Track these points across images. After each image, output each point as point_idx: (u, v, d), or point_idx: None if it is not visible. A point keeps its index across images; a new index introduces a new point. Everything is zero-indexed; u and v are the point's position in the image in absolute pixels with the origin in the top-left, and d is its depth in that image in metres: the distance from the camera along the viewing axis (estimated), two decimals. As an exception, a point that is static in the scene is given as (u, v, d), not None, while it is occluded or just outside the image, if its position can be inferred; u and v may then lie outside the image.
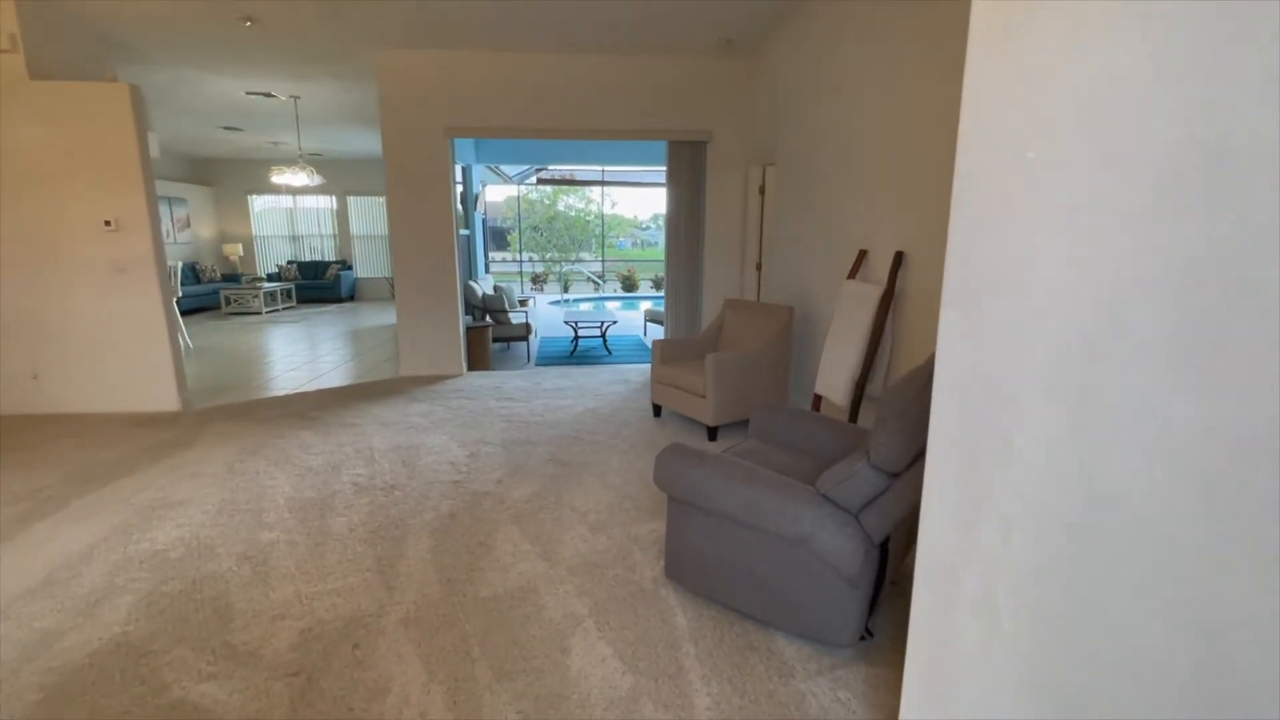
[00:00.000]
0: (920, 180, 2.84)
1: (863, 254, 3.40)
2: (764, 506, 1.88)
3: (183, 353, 6.95)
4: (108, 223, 4.27)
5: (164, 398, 4.56)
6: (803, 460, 2.38)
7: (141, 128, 4.25)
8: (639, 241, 24.24)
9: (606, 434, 4.04)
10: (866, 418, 3.30)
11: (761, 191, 5.54)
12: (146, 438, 3.97)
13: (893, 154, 3.07)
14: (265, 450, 3.73)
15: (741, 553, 1.99)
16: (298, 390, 5.24)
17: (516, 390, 5.19)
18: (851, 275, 3.43)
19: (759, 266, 5.67)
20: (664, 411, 4.45)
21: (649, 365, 6.37)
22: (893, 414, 1.65)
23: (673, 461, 2.07)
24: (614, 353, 7.33)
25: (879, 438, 1.68)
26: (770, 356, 4.00)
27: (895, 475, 1.72)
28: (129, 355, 4.47)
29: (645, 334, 8.78)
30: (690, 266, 5.86)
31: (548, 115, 5.40)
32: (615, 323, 7.62)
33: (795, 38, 4.36)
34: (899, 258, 3.00)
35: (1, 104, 4.07)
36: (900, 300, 3.04)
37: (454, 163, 5.56)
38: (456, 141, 5.63)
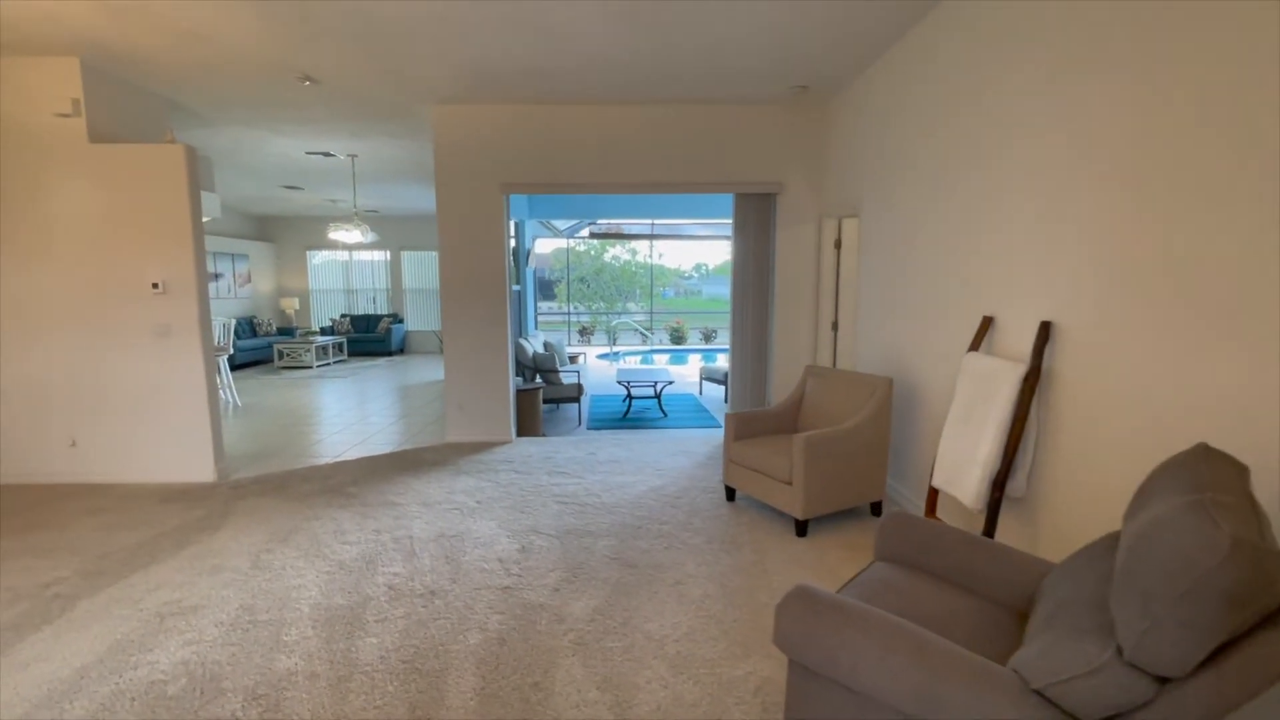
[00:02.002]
0: (1080, 233, 2.31)
1: (988, 321, 2.86)
2: (944, 699, 1.33)
3: (231, 410, 6.83)
4: (155, 285, 4.11)
5: (200, 468, 4.28)
6: (965, 602, 1.81)
7: (194, 189, 4.12)
8: (682, 290, 24.05)
9: (675, 524, 3.51)
10: (1008, 526, 2.68)
11: (837, 246, 5.08)
12: (175, 516, 3.65)
13: (1036, 201, 2.56)
14: (296, 537, 3.34)
15: (904, 756, 1.42)
16: (339, 458, 4.91)
17: (570, 462, 4.73)
18: (974, 347, 2.88)
19: (835, 326, 5.16)
20: (738, 494, 3.90)
21: (711, 432, 5.86)
22: (1169, 591, 1.10)
23: (803, 617, 1.54)
24: (669, 414, 6.84)
25: (1141, 624, 1.12)
26: (867, 437, 3.44)
27: (1166, 680, 1.15)
28: (167, 423, 4.23)
29: (700, 393, 8.28)
30: (758, 326, 5.38)
31: (609, 169, 5.12)
32: (671, 383, 7.16)
33: (885, 76, 3.96)
34: (1045, 330, 2.45)
35: (60, 168, 4.00)
36: (1049, 382, 2.47)
37: (508, 220, 5.31)
38: (509, 197, 5.40)
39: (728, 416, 3.81)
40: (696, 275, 24.32)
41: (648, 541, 3.27)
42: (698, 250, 23.76)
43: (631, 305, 19.81)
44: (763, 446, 3.59)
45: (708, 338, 16.35)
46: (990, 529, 2.55)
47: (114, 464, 4.26)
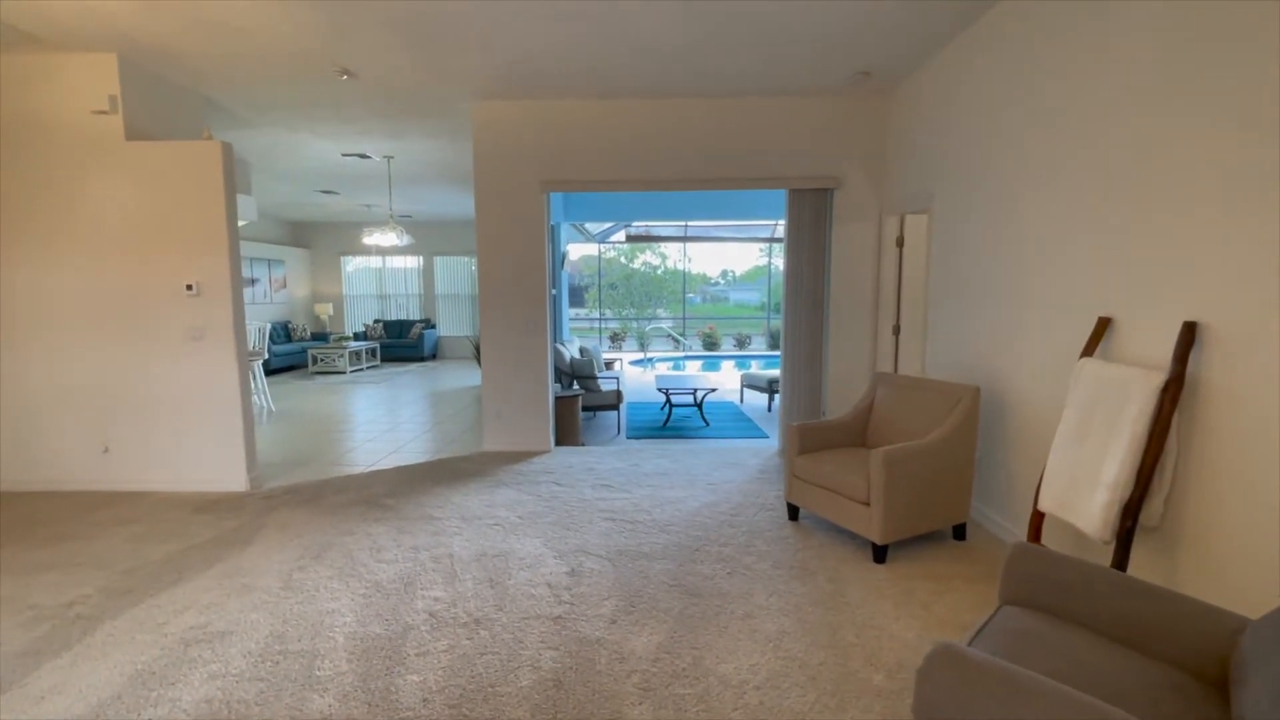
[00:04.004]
0: (1238, 218, 1.96)
1: (1105, 323, 2.51)
2: (1170, 813, 1.01)
3: (265, 415, 6.73)
4: (189, 287, 3.97)
5: (232, 477, 4.12)
6: (1133, 664, 1.48)
7: (230, 187, 3.98)
8: (708, 297, 23.77)
9: (736, 545, 3.20)
10: (1138, 559, 2.31)
11: (900, 244, 4.73)
12: (206, 529, 3.47)
13: (1170, 184, 2.21)
14: (330, 554, 3.12)
15: None
16: (374, 467, 4.72)
17: (613, 474, 4.46)
18: (1088, 352, 2.53)
19: (896, 331, 4.80)
20: (802, 513, 3.58)
21: (758, 443, 5.54)
22: None
23: (956, 688, 1.23)
24: (711, 424, 6.54)
25: None
26: (951, 452, 3.09)
27: None
28: (200, 430, 4.08)
29: (742, 401, 7.95)
30: (811, 330, 5.05)
31: (654, 165, 4.86)
32: (713, 390, 6.85)
33: (963, 58, 3.62)
34: (1190, 332, 2.10)
35: (96, 166, 3.89)
36: (1193, 393, 2.12)
37: (549, 219, 5.09)
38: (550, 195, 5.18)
39: (790, 428, 3.49)
40: (723, 281, 24.01)
41: (708, 565, 2.97)
42: (725, 257, 23.58)
43: (661, 311, 19.59)
44: (832, 462, 3.27)
45: (741, 343, 16.00)
46: (1122, 563, 2.19)
47: (147, 471, 4.12)
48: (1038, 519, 2.62)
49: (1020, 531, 3.07)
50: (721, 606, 2.59)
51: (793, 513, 3.55)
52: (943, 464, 3.07)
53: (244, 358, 4.12)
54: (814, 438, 3.51)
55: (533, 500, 3.91)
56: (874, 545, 2.98)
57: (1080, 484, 2.34)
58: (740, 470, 4.57)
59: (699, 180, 4.88)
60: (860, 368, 5.01)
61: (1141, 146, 2.34)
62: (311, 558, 3.08)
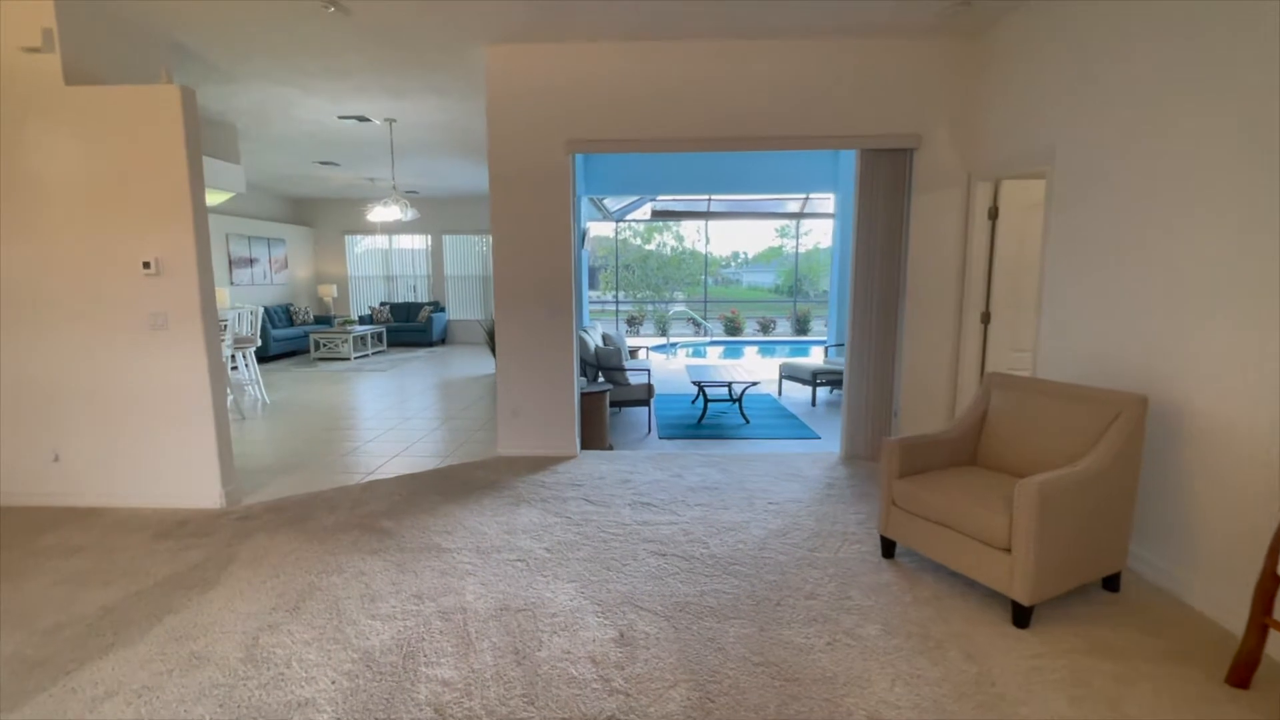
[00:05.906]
0: None
1: (1392, 315, 1.76)
2: None
3: (259, 408, 6.10)
4: (147, 265, 3.29)
5: (204, 491, 3.47)
6: None
7: (194, 142, 3.28)
8: (720, 279, 23.00)
9: (826, 597, 2.50)
10: None
11: (992, 216, 3.96)
12: (163, 563, 2.83)
13: None
14: (311, 603, 2.46)
15: None
16: (373, 475, 4.06)
17: (654, 488, 3.78)
18: (1363, 356, 1.78)
19: (986, 319, 4.05)
20: (899, 549, 2.87)
21: (810, 446, 4.83)
22: None
23: None
24: (750, 421, 5.83)
25: None
26: (1115, 482, 2.36)
27: None
28: (166, 434, 3.43)
29: (780, 394, 7.23)
30: (884, 317, 4.30)
31: (699, 122, 4.09)
32: (755, 383, 6.13)
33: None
34: None
35: (28, 115, 3.20)
36: None
37: (575, 185, 4.35)
38: (575, 158, 4.43)
39: (888, 445, 2.77)
40: (734, 264, 23.22)
41: (798, 630, 2.28)
42: (737, 239, 22.97)
43: (678, 294, 18.89)
44: (946, 490, 2.55)
45: (765, 328, 15.25)
46: None
47: (105, 483, 3.49)
48: (1272, 587, 1.89)
49: (1198, 583, 2.36)
50: (832, 700, 1.90)
51: (887, 548, 2.85)
52: (1103, 497, 2.34)
53: (216, 348, 3.45)
54: (917, 457, 2.79)
55: (561, 525, 3.23)
56: (1015, 604, 2.27)
57: (1374, 551, 1.61)
58: (803, 484, 3.87)
59: (753, 138, 4.10)
60: (940, 361, 4.26)
61: None
62: (287, 609, 2.42)
